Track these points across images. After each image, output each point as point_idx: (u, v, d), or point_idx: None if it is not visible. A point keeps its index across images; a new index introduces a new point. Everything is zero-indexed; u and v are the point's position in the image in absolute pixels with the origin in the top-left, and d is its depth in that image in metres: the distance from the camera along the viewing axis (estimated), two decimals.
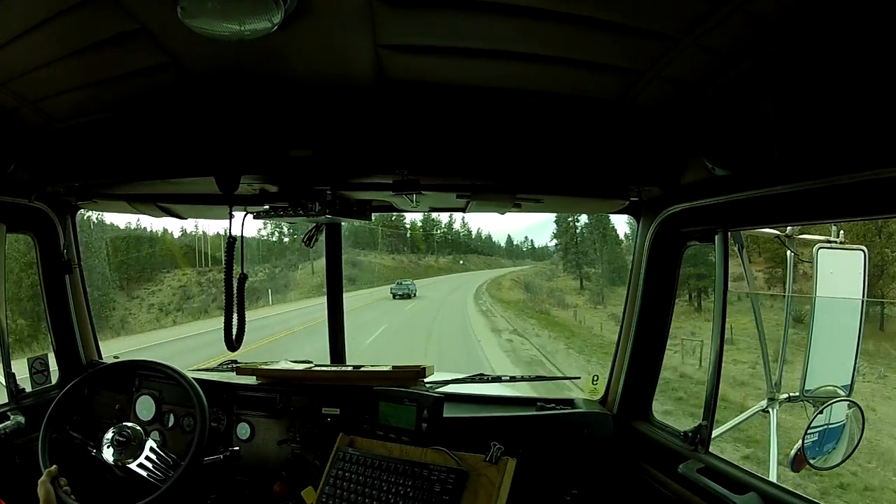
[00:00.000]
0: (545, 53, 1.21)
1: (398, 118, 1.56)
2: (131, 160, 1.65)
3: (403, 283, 25.90)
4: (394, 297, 24.57)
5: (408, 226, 36.82)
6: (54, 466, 1.59)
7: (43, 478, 1.55)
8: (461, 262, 39.78)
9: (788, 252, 2.43)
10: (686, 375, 12.43)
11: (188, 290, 26.37)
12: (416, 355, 14.51)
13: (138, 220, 24.79)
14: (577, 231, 28.76)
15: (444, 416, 1.68)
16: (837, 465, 2.28)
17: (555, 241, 30.33)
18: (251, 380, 2.05)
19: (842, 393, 2.24)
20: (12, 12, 1.06)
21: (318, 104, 1.49)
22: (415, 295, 24.85)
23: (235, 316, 1.70)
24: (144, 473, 1.67)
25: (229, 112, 1.54)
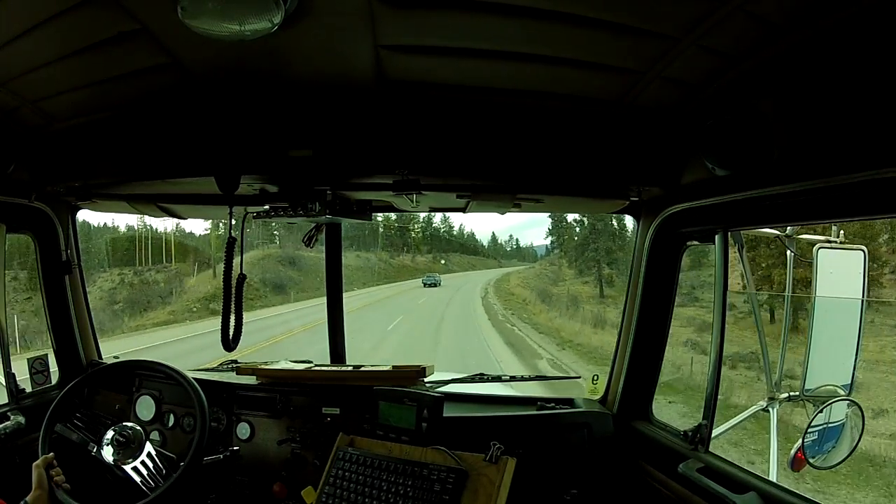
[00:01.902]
0: (545, 54, 1.21)
1: (398, 118, 1.55)
2: (131, 160, 1.65)
3: (432, 275, 31.11)
4: (424, 286, 29.21)
5: (379, 218, 30.96)
6: (50, 454, 1.61)
7: (38, 462, 1.57)
8: (442, 261, 35.88)
9: (788, 252, 2.43)
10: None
11: (115, 294, 21.95)
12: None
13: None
14: (597, 226, 23.57)
15: (445, 415, 1.68)
16: (838, 464, 2.28)
17: (550, 238, 28.18)
18: (251, 380, 2.05)
19: (842, 392, 2.24)
20: (12, 12, 1.06)
21: (318, 104, 1.48)
22: (440, 284, 29.92)
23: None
24: (143, 475, 1.67)
25: (229, 112, 1.54)
